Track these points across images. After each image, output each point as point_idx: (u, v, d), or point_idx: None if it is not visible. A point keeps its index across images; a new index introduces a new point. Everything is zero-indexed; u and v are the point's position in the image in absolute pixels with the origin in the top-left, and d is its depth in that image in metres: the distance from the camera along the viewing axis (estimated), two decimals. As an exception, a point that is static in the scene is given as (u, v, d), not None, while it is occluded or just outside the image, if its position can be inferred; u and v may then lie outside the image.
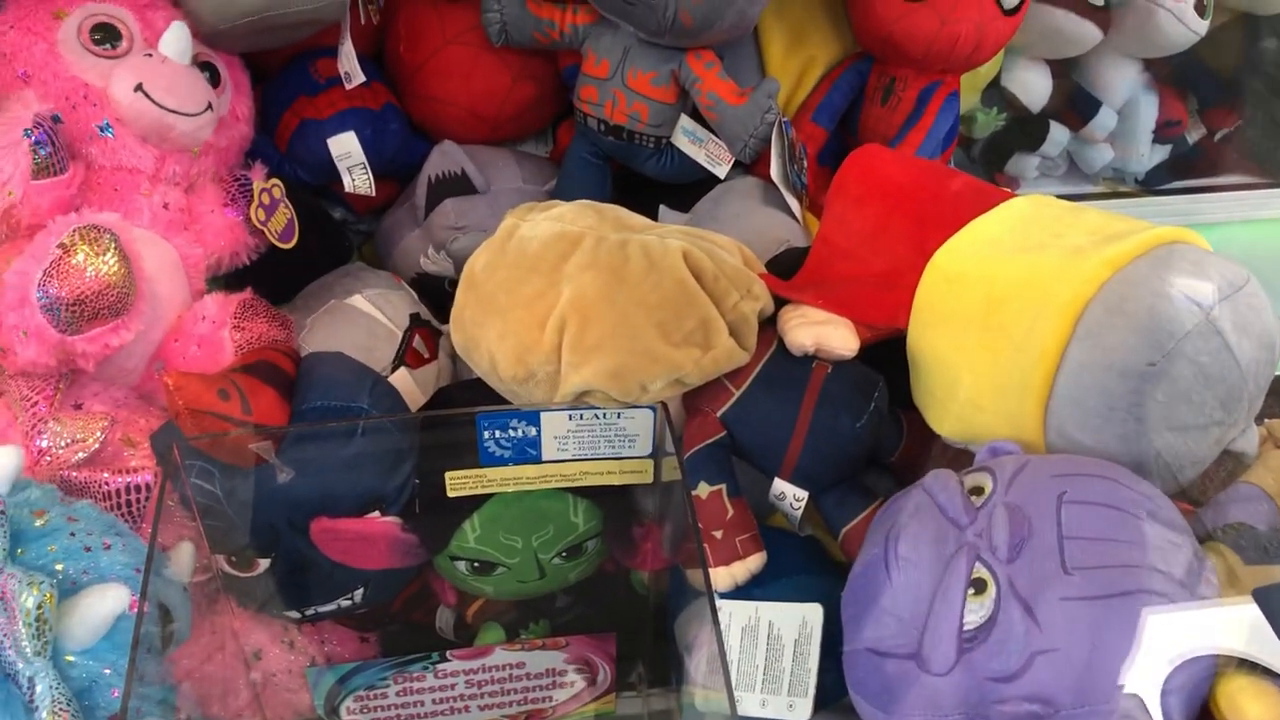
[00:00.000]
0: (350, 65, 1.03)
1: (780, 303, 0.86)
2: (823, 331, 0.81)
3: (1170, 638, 0.62)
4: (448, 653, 0.96)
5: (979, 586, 0.64)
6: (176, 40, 0.90)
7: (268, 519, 0.83)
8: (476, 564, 0.90)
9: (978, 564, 0.65)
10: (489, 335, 0.81)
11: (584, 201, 0.89)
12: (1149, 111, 1.46)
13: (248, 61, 1.02)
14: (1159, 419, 0.71)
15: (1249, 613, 0.64)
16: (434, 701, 0.95)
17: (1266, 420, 0.79)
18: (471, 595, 0.98)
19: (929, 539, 0.67)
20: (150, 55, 0.89)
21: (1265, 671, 0.62)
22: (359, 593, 0.90)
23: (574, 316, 0.78)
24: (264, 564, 0.86)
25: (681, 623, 0.86)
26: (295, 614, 0.91)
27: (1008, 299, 0.76)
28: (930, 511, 0.69)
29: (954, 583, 0.64)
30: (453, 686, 0.95)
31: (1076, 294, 0.72)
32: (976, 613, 0.63)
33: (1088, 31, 1.31)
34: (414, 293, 1.05)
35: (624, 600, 1.00)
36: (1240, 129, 1.53)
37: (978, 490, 0.69)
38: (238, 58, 1.00)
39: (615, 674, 0.98)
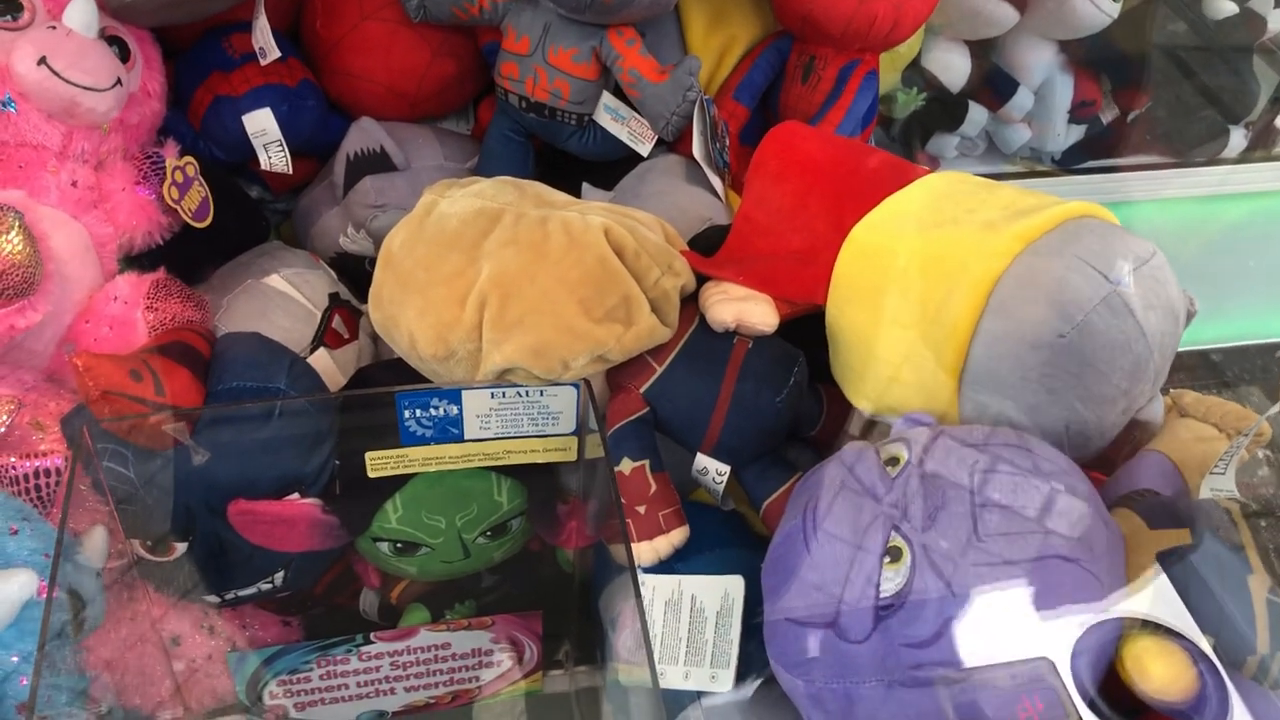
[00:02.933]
0: (265, 41, 1.01)
1: (701, 279, 0.87)
2: (743, 307, 0.82)
3: (1078, 601, 0.64)
4: (372, 635, 0.95)
5: (894, 555, 0.65)
6: (82, 12, 0.87)
7: (184, 502, 0.82)
8: (399, 545, 0.89)
9: (893, 533, 0.66)
10: (408, 313, 0.80)
11: (504, 178, 0.89)
12: (1064, 92, 1.49)
13: (159, 36, 0.99)
14: (1069, 389, 0.73)
15: (1154, 575, 0.66)
16: (359, 684, 0.94)
17: (1171, 390, 0.82)
18: (396, 577, 0.97)
19: (846, 509, 0.68)
20: (54, 28, 0.87)
21: (1169, 632, 0.64)
22: (280, 576, 0.89)
23: (494, 293, 0.78)
24: (181, 548, 0.84)
25: (606, 598, 0.86)
26: (215, 598, 0.89)
27: (923, 273, 0.77)
28: (847, 483, 0.70)
29: (870, 552, 0.65)
30: (378, 669, 0.95)
31: (989, 268, 0.74)
32: (892, 581, 0.64)
33: (1005, 13, 1.33)
34: (333, 272, 1.03)
35: (550, 578, 1.00)
36: (1151, 109, 1.56)
37: (893, 461, 0.70)
38: (148, 32, 0.98)
39: (542, 652, 0.98)
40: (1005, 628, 0.62)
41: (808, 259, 0.84)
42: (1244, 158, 1.63)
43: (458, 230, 0.81)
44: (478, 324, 0.78)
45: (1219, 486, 0.70)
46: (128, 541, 0.82)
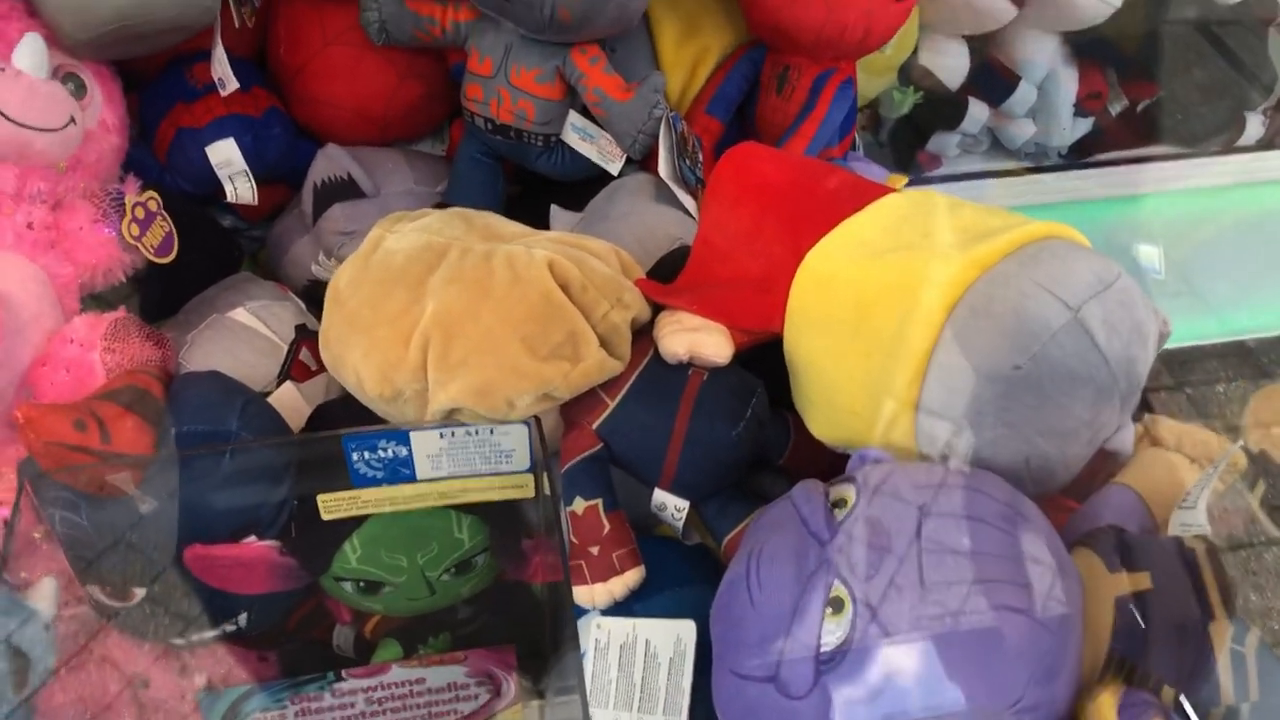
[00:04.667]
0: (223, 71, 1.00)
1: (658, 308, 0.84)
2: (696, 338, 0.79)
3: (1028, 651, 0.61)
4: (344, 672, 0.94)
5: (836, 605, 0.62)
6: (30, 53, 0.86)
7: (140, 549, 0.81)
8: (362, 584, 0.88)
9: (836, 582, 0.63)
10: (354, 353, 0.79)
11: (454, 209, 0.87)
12: (1069, 85, 1.45)
13: (121, 68, 0.99)
14: (1028, 422, 0.69)
15: (1112, 622, 0.63)
16: (335, 721, 0.93)
17: (1146, 416, 0.78)
18: (367, 612, 0.96)
19: (790, 555, 0.66)
20: (3, 69, 0.86)
21: (1128, 681, 0.61)
22: (243, 617, 0.88)
23: (437, 333, 0.76)
24: (140, 592, 0.84)
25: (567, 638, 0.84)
26: (179, 640, 0.89)
27: (878, 301, 0.74)
28: (794, 525, 0.68)
29: (812, 603, 0.63)
30: (353, 705, 0.93)
31: (943, 296, 0.71)
32: (834, 633, 0.62)
33: (1001, 7, 1.30)
34: (301, 303, 1.02)
35: (525, 610, 0.99)
36: (1161, 99, 1.51)
37: (841, 502, 0.68)
38: (107, 66, 0.97)
39: (518, 685, 0.96)
40: (949, 682, 0.60)
41: (765, 286, 0.82)
42: (1262, 144, 1.57)
43: (403, 267, 0.80)
44: (422, 364, 0.77)
45: (1189, 521, 0.67)
46: (85, 588, 0.82)
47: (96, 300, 0.95)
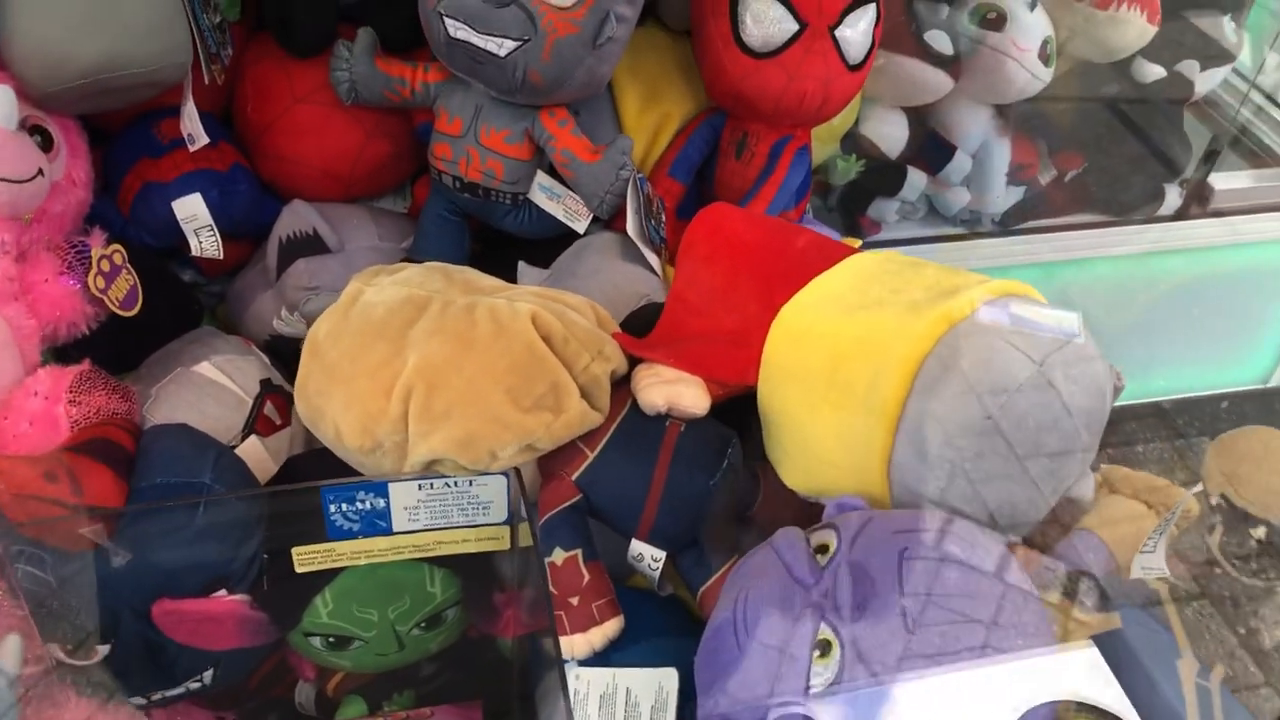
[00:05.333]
0: (193, 127, 1.00)
1: (634, 361, 0.86)
2: (674, 390, 0.81)
3: (1012, 689, 0.63)
4: (307, 730, 0.93)
5: (824, 648, 0.64)
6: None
7: (106, 604, 0.79)
8: (332, 639, 0.87)
9: (823, 625, 0.65)
10: (333, 405, 0.79)
11: (433, 264, 0.88)
12: (1001, 156, 1.51)
13: (86, 122, 0.98)
14: (998, 470, 0.72)
15: (1088, 659, 0.66)
16: (296, 781, 0.91)
17: (1103, 466, 0.82)
18: (331, 669, 0.95)
19: (776, 601, 0.67)
20: (-29, 121, 0.86)
21: (1105, 715, 0.64)
22: (209, 674, 0.86)
23: (420, 384, 0.77)
24: (104, 650, 0.82)
25: (541, 692, 0.84)
26: (141, 700, 0.87)
27: (851, 355, 0.77)
28: (778, 572, 0.69)
29: (800, 646, 0.64)
30: (315, 764, 0.92)
31: (913, 350, 0.74)
32: (822, 675, 0.63)
33: (939, 80, 1.35)
34: (266, 357, 1.02)
35: (492, 666, 0.98)
36: (1087, 170, 1.59)
37: (823, 549, 0.70)
38: (73, 120, 0.97)
39: (484, 742, 0.96)
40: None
41: (739, 340, 0.84)
42: (1179, 215, 1.66)
43: (384, 319, 0.80)
44: (404, 415, 0.77)
45: (1149, 565, 0.70)
46: (46, 646, 0.80)
47: (55, 353, 0.94)
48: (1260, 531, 0.73)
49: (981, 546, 0.68)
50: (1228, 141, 1.76)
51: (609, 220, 1.07)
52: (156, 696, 0.87)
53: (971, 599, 0.64)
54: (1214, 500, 0.76)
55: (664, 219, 1.07)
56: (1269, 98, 1.88)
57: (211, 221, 1.03)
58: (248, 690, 0.95)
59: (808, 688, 0.63)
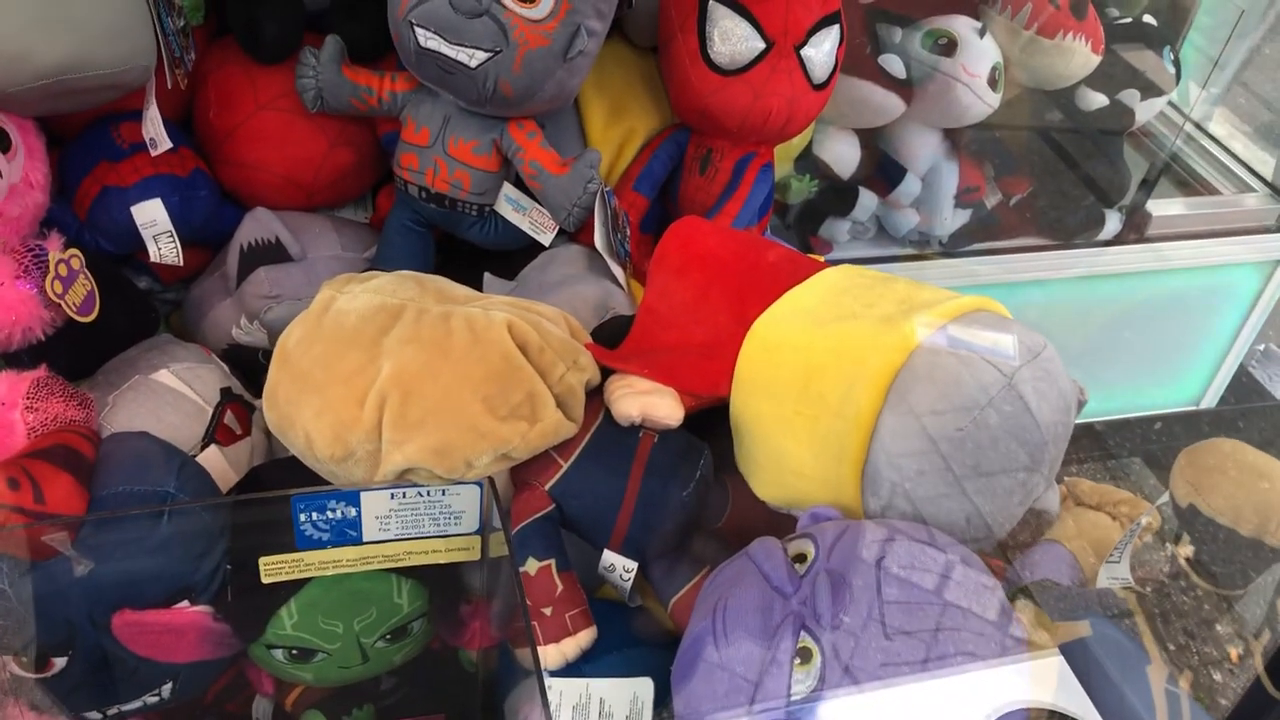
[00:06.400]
0: (156, 131, 0.99)
1: (606, 372, 0.86)
2: (648, 401, 0.82)
3: (986, 695, 0.64)
4: (265, 745, 0.91)
5: (805, 656, 0.65)
6: (-42, 105, 0.84)
7: (64, 614, 0.78)
8: (294, 651, 0.86)
9: (803, 633, 0.65)
10: (304, 413, 0.78)
11: (405, 272, 0.88)
12: (950, 179, 1.55)
13: (44, 124, 0.96)
14: (968, 481, 0.74)
15: (1057, 665, 0.67)
16: (252, 798, 0.90)
17: (1067, 479, 0.84)
18: (290, 683, 0.94)
19: (755, 609, 0.68)
20: (-71, 121, 0.83)
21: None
22: (167, 688, 0.85)
23: (395, 392, 0.76)
24: (59, 663, 0.80)
25: (511, 703, 0.84)
26: (95, 715, 0.84)
27: (824, 368, 0.78)
28: (756, 580, 0.70)
29: (781, 653, 0.65)
30: (273, 780, 0.90)
31: (887, 362, 0.75)
32: (803, 682, 0.64)
33: (892, 103, 1.38)
34: (225, 366, 1.00)
35: (453, 680, 0.98)
36: (1032, 195, 1.63)
37: (801, 557, 0.70)
38: (32, 121, 0.95)
39: (445, 756, 0.95)
40: (916, 725, 0.62)
41: (711, 352, 0.85)
42: (1118, 240, 1.71)
43: (357, 327, 0.80)
44: (377, 424, 0.77)
45: (1115, 575, 0.72)
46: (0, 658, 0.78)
47: (8, 359, 0.91)
48: (1226, 540, 0.75)
49: (954, 555, 0.69)
50: (1161, 170, 1.82)
51: (574, 233, 1.07)
52: (112, 711, 0.85)
53: (945, 607, 0.66)
54: (1182, 508, 0.78)
55: (629, 232, 1.07)
56: (1199, 128, 1.95)
57: (172, 227, 1.01)
58: (203, 705, 0.93)
59: (789, 695, 0.64)
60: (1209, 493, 0.76)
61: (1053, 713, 0.66)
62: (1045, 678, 0.67)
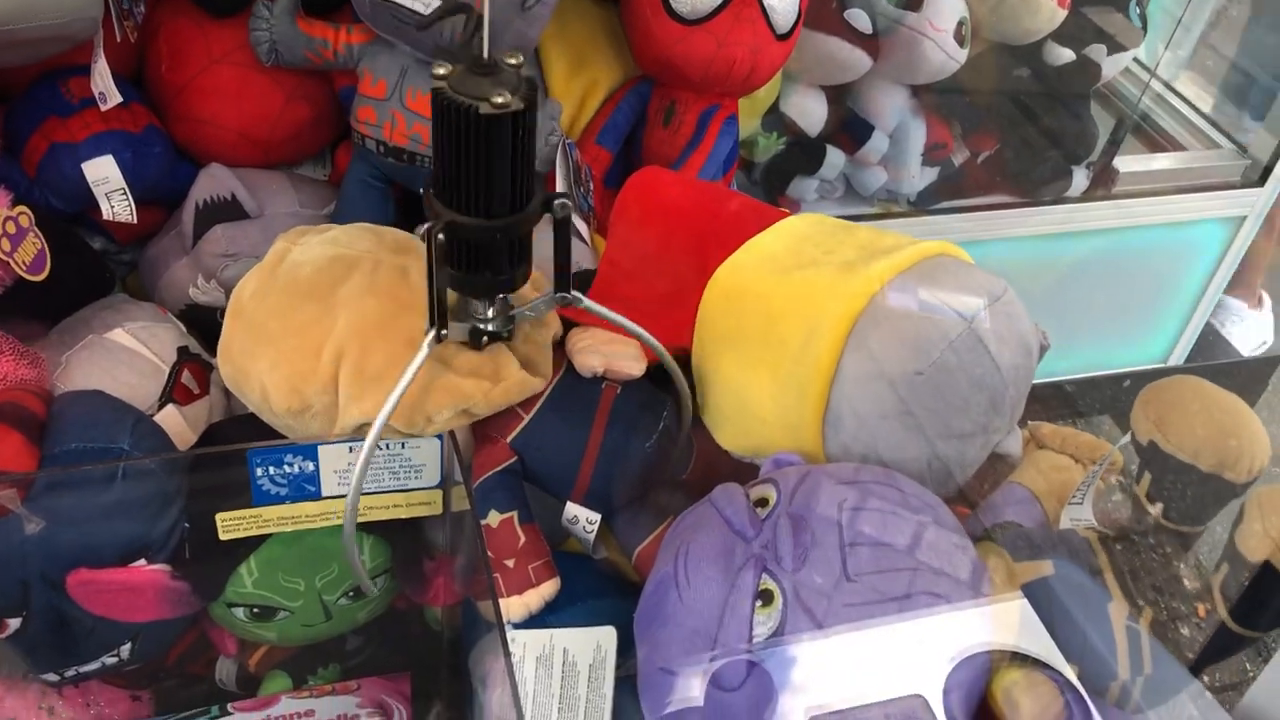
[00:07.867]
0: (105, 85, 0.96)
1: (569, 325, 0.85)
2: (611, 352, 0.81)
3: (948, 636, 0.64)
4: (230, 705, 0.90)
5: (766, 598, 0.64)
6: (-101, 56, 0.82)
7: (17, 575, 0.76)
8: (256, 609, 0.85)
9: (764, 575, 0.65)
10: (260, 365, 0.77)
11: (361, 224, 0.86)
12: (917, 136, 1.54)
13: (-12, 80, 0.94)
14: (929, 425, 0.74)
15: (1020, 607, 0.67)
16: (218, 759, 0.89)
17: (1029, 422, 0.84)
18: (254, 643, 0.93)
19: (716, 553, 0.67)
20: None
21: (1037, 663, 0.65)
22: (126, 648, 0.83)
23: (353, 345, 0.75)
24: (14, 624, 0.78)
25: (475, 656, 0.84)
26: (53, 676, 0.83)
27: (785, 314, 0.77)
28: (717, 525, 0.69)
29: (742, 595, 0.65)
30: (238, 741, 0.90)
31: (848, 307, 0.74)
32: (765, 624, 0.64)
33: (859, 59, 1.37)
34: (182, 325, 0.99)
35: (418, 637, 0.97)
36: (999, 152, 1.63)
37: (763, 502, 0.70)
38: (-25, 76, 0.93)
39: (412, 714, 0.94)
40: (877, 666, 0.62)
41: (673, 303, 0.84)
42: (1086, 196, 1.71)
43: (312, 278, 0.78)
44: (334, 376, 0.76)
45: (1077, 516, 0.72)
46: (-49, 620, 0.76)
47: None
48: (1186, 475, 0.75)
49: (917, 497, 0.69)
50: (1129, 127, 1.83)
51: (536, 187, 1.06)
52: (70, 673, 0.84)
53: (908, 549, 0.65)
54: (1142, 445, 0.78)
55: (592, 186, 1.06)
56: (1168, 85, 1.96)
57: (125, 185, 0.99)
58: (165, 667, 0.92)
59: (750, 637, 0.64)
60: (1169, 429, 0.76)
61: (1015, 655, 0.66)
62: (1009, 620, 0.67)
